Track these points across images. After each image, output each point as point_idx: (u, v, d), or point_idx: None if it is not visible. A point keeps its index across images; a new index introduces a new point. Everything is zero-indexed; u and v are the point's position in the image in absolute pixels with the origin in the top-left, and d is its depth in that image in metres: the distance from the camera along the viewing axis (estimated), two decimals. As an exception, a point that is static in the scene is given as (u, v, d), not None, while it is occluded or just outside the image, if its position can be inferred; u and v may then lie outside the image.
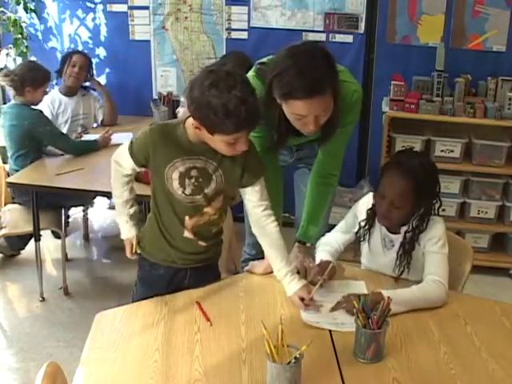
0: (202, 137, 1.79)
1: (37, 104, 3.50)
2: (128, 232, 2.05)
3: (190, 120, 1.80)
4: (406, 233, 2.03)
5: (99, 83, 4.06)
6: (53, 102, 3.80)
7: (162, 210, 1.95)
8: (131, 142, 1.91)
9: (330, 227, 2.33)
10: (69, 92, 3.88)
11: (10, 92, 3.46)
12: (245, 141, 1.77)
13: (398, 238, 2.07)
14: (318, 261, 2.12)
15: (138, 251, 2.05)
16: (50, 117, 3.62)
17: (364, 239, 2.14)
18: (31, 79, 3.37)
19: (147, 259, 2.04)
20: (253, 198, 1.95)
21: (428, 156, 2.11)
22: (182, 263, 2.01)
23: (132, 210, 2.04)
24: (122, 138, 3.56)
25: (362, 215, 2.13)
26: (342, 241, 2.21)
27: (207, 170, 1.86)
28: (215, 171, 1.87)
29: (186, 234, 1.95)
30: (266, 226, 1.96)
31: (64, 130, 3.74)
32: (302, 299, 1.89)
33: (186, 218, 1.92)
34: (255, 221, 1.98)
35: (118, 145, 2.04)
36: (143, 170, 2.00)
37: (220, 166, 1.86)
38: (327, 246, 2.18)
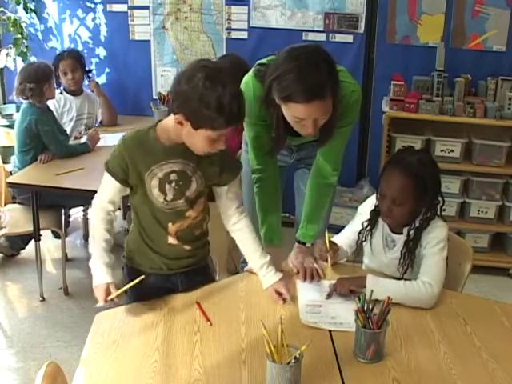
0: (178, 135, 1.77)
1: (51, 98, 3.52)
2: (103, 277, 1.84)
3: (163, 123, 1.81)
4: (409, 230, 2.02)
5: (96, 84, 4.05)
6: (58, 101, 3.79)
7: (144, 221, 1.92)
8: (106, 162, 1.85)
9: (332, 228, 2.32)
10: (74, 91, 3.89)
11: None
12: (225, 139, 1.77)
13: (399, 238, 2.06)
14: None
15: (114, 299, 1.83)
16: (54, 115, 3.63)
17: (366, 239, 2.14)
18: (31, 89, 3.34)
19: (135, 268, 1.98)
20: (229, 196, 1.96)
21: (427, 152, 2.10)
22: (168, 269, 1.97)
23: (108, 259, 1.87)
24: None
25: (366, 216, 2.14)
26: (348, 242, 2.20)
27: (186, 173, 1.84)
28: (194, 173, 1.85)
29: (171, 240, 1.93)
30: (238, 221, 1.98)
31: (68, 129, 3.75)
32: (280, 293, 1.91)
33: (169, 224, 1.90)
34: (228, 217, 1.99)
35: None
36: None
37: (198, 166, 1.85)
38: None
